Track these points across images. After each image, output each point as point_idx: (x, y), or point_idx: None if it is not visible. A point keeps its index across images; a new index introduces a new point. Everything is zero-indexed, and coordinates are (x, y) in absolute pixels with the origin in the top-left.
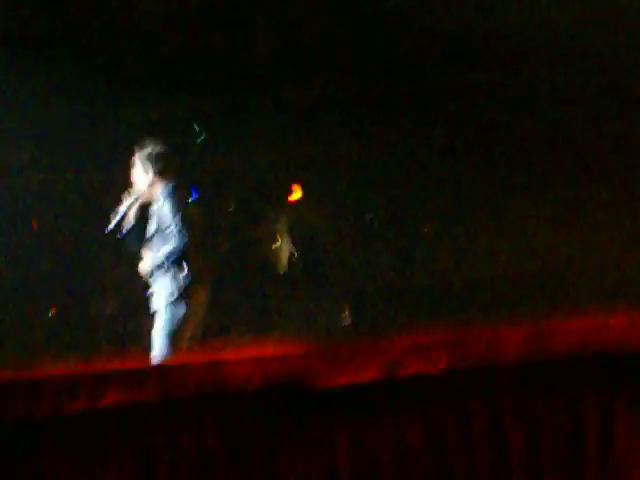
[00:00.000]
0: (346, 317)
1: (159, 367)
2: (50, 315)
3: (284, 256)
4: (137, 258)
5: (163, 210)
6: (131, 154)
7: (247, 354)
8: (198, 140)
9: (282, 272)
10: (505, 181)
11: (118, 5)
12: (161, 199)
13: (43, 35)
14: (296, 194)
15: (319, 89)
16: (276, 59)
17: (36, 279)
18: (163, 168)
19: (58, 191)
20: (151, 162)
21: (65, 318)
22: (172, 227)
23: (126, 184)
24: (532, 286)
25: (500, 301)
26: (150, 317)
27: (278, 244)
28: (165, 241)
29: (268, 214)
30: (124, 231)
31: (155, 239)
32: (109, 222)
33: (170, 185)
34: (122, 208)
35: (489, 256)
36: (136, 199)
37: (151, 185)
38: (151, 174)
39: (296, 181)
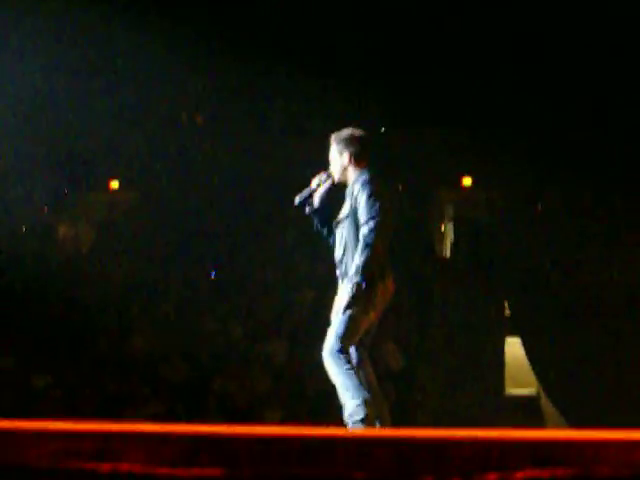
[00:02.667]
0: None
1: None
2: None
3: (449, 240)
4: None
5: (359, 196)
6: (328, 134)
7: None
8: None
9: (446, 257)
10: None
11: None
12: (357, 184)
13: None
14: (467, 180)
15: None
16: None
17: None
18: (359, 153)
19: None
20: (349, 145)
21: None
22: (368, 217)
23: (319, 161)
24: None
25: None
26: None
27: (443, 229)
28: (360, 227)
29: (435, 198)
30: (312, 206)
31: (347, 223)
32: (297, 194)
33: (367, 171)
34: (313, 183)
35: None
36: (328, 177)
37: (346, 167)
38: (347, 156)
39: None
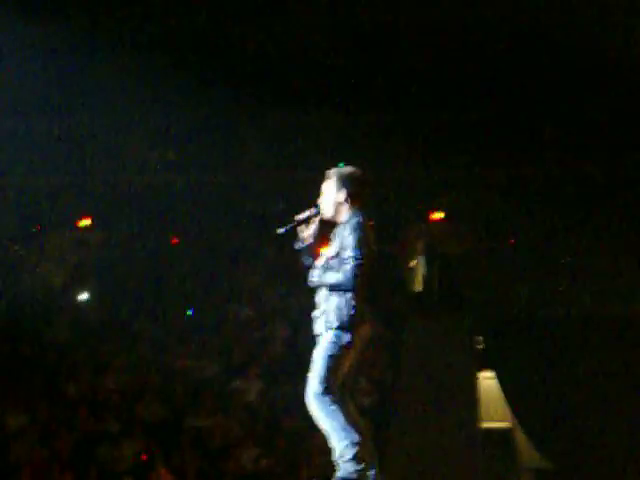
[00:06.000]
0: (480, 346)
1: None
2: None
3: (420, 275)
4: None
5: (347, 238)
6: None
7: None
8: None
9: (417, 290)
10: None
11: None
12: (348, 226)
13: None
14: (437, 215)
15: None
16: None
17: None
18: (356, 193)
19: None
20: (348, 183)
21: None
22: (350, 254)
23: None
24: None
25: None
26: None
27: (415, 262)
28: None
29: (406, 232)
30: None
31: (335, 263)
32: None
33: (360, 213)
34: (302, 215)
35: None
36: (317, 212)
37: (340, 205)
38: (343, 194)
39: (438, 202)
